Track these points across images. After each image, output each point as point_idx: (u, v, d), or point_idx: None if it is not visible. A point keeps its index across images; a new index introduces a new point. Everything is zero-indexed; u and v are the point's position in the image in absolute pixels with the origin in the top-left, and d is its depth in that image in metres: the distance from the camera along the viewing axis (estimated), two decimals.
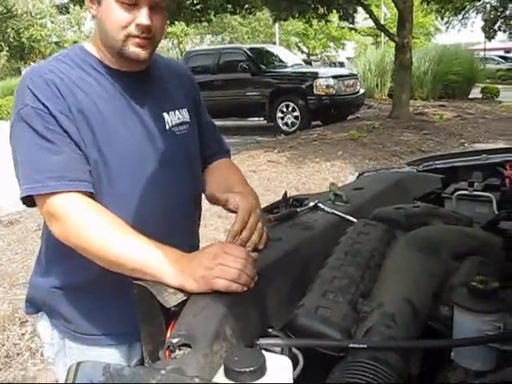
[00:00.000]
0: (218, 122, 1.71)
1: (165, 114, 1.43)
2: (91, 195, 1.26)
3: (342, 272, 1.20)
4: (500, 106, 15.32)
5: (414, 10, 12.53)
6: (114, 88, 1.35)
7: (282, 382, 0.87)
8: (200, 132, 1.55)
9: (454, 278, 1.24)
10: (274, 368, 0.87)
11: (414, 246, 1.33)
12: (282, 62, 13.61)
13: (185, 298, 1.08)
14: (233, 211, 1.33)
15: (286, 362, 0.93)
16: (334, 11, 13.34)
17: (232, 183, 1.46)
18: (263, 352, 0.91)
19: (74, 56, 1.36)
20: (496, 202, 1.91)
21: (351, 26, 13.94)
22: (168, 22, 1.32)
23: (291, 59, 14.26)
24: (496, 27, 28.32)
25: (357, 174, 2.47)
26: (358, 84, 13.32)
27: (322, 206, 1.59)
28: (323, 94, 11.84)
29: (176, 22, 15.44)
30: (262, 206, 1.53)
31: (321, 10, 13.25)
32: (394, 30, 13.01)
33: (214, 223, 5.19)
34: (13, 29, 31.57)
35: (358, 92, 12.99)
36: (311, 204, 1.61)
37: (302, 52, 39.73)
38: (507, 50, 41.12)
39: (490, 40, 30.59)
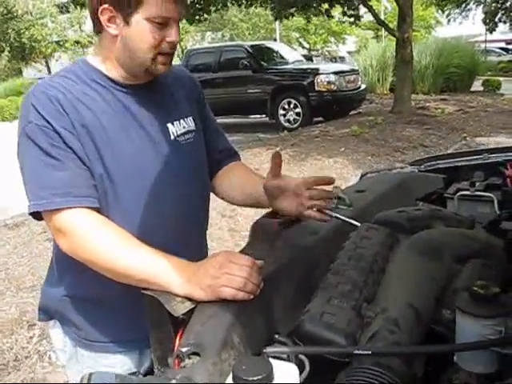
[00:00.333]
0: (219, 120, 1.73)
1: (169, 125, 1.44)
2: (97, 209, 1.28)
3: (346, 277, 1.22)
4: (502, 99, 15.28)
5: (414, 4, 12.50)
6: (118, 101, 1.37)
7: None
8: (206, 137, 1.57)
9: (457, 281, 1.25)
10: (281, 375, 0.89)
11: (417, 249, 1.35)
12: (283, 58, 13.64)
13: (192, 306, 1.11)
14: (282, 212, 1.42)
15: (293, 369, 0.95)
16: (338, 6, 13.33)
17: (249, 185, 1.51)
18: (270, 360, 0.94)
19: (78, 70, 1.38)
20: (497, 202, 1.93)
21: (352, 20, 13.83)
22: None
23: (292, 56, 14.28)
24: (497, 19, 28.20)
25: (359, 174, 2.48)
26: (359, 79, 13.33)
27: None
28: (325, 90, 11.87)
29: None
30: (266, 210, 1.55)
31: (324, 6, 13.26)
32: (394, 24, 13.00)
33: (218, 222, 5.22)
34: (13, 29, 31.57)
35: (359, 87, 13.00)
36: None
37: (303, 47, 39.67)
38: (508, 42, 40.98)
39: (491, 32, 30.48)
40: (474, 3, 27.72)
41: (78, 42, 35.06)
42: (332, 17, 14.61)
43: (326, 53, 38.54)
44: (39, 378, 2.92)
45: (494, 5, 27.05)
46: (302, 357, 1.02)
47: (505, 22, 28.77)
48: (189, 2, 12.65)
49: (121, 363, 1.44)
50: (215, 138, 1.62)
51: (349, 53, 36.36)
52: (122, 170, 1.33)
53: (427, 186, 2.09)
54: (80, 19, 32.73)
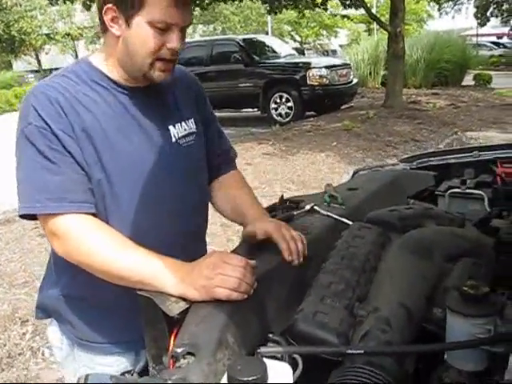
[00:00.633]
0: None
1: (170, 127, 1.43)
2: (93, 214, 1.28)
3: (339, 277, 1.24)
4: (493, 93, 15.35)
5: None
6: (120, 104, 1.36)
7: None
8: (207, 139, 1.56)
9: (447, 280, 1.28)
10: (275, 375, 0.91)
11: (408, 249, 1.37)
12: (275, 52, 13.60)
13: (187, 306, 1.12)
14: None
15: (286, 368, 0.97)
16: None
17: (244, 206, 1.50)
18: (264, 359, 0.96)
19: (80, 71, 1.36)
20: (488, 200, 1.95)
21: (344, 13, 13.82)
22: None
23: (284, 49, 14.25)
24: (488, 13, 28.29)
25: (351, 169, 2.50)
26: (351, 73, 13.33)
27: (317, 209, 1.63)
28: (316, 84, 11.85)
29: None
30: None
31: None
32: (386, 18, 12.97)
33: (210, 217, 5.19)
34: (2, 21, 31.26)
35: (351, 81, 13.00)
36: (307, 207, 1.64)
37: (295, 41, 39.59)
38: (499, 36, 41.08)
39: (482, 26, 30.57)
40: None
41: (68, 35, 34.81)
42: (326, 9, 14.56)
43: (318, 46, 38.52)
44: (33, 375, 2.92)
45: None
46: (296, 355, 1.03)
47: (496, 16, 28.89)
48: None
49: (117, 363, 1.45)
50: (215, 140, 1.61)
51: (341, 46, 36.34)
52: (121, 173, 1.33)
53: (419, 183, 2.11)
54: (70, 11, 32.48)
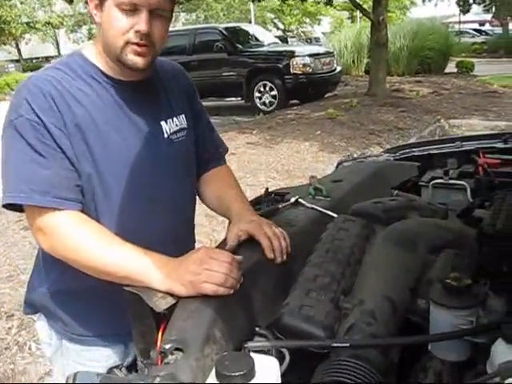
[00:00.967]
0: None
1: (162, 123, 1.44)
2: (80, 210, 1.28)
3: (324, 270, 1.25)
4: (475, 81, 15.46)
5: None
6: (113, 99, 1.36)
7: (271, 382, 0.92)
8: (197, 134, 1.57)
9: (431, 271, 1.29)
10: (262, 369, 0.92)
11: (392, 241, 1.39)
12: (259, 41, 13.58)
13: (174, 301, 1.13)
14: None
15: (274, 362, 0.98)
16: None
17: (229, 200, 1.51)
18: (251, 354, 0.97)
19: (73, 64, 1.36)
20: (470, 190, 1.97)
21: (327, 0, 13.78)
22: None
23: (267, 38, 14.22)
24: (471, 0, 28.38)
25: (335, 157, 2.51)
26: (335, 62, 13.36)
27: (302, 202, 1.64)
28: (300, 72, 11.86)
29: None
30: None
31: None
32: (369, 5, 12.97)
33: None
34: None
35: (334, 70, 13.02)
36: (292, 200, 1.65)
37: (278, 28, 39.48)
38: (482, 23, 41.29)
39: (464, 13, 30.68)
40: None
41: (48, 23, 34.39)
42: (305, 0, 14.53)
43: (301, 34, 38.45)
44: (20, 369, 2.92)
45: None
46: (283, 349, 1.05)
47: (479, 4, 28.98)
48: None
49: (106, 357, 1.46)
50: (205, 135, 1.62)
51: (324, 34, 36.31)
52: (112, 168, 1.33)
53: (402, 174, 2.13)
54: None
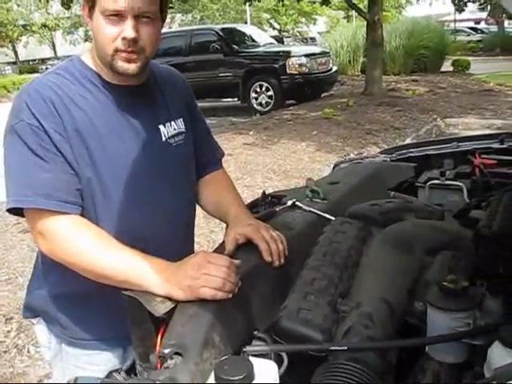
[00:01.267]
0: None
1: (161, 127, 1.44)
2: (80, 214, 1.29)
3: (322, 273, 1.26)
4: (471, 79, 15.49)
5: None
6: (111, 103, 1.36)
7: None
8: (195, 139, 1.58)
9: (428, 273, 1.30)
10: (261, 373, 0.93)
11: (389, 243, 1.39)
12: (255, 41, 13.58)
13: (173, 305, 1.13)
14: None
15: (272, 366, 0.99)
16: None
17: (226, 204, 1.52)
18: (250, 358, 0.98)
19: (72, 69, 1.37)
20: (467, 191, 1.98)
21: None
22: None
23: (263, 38, 14.23)
24: None
25: (332, 157, 2.52)
26: (331, 61, 13.38)
27: (300, 205, 1.64)
28: (296, 72, 11.87)
29: None
30: None
31: None
32: (365, 4, 12.97)
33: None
34: None
35: (330, 69, 13.03)
36: (289, 202, 1.66)
37: (274, 28, 39.47)
38: (477, 21, 41.33)
39: (460, 12, 30.71)
40: None
41: (45, 26, 34.39)
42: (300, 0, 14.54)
43: (297, 34, 38.47)
44: (19, 372, 2.91)
45: None
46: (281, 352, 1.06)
47: (474, 2, 28.99)
48: None
49: (105, 361, 1.46)
50: (203, 139, 1.63)
51: (319, 33, 36.34)
52: (112, 172, 1.34)
53: (399, 175, 2.14)
54: (46, 2, 32.03)
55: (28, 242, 4.59)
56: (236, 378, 0.88)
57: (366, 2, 12.91)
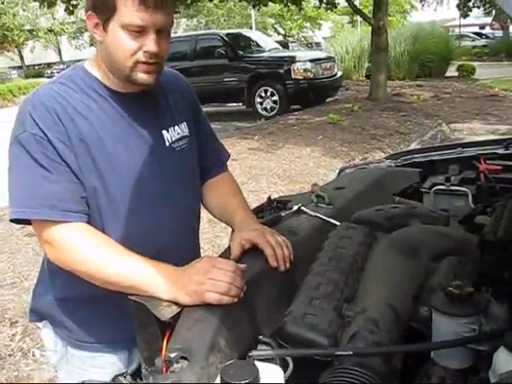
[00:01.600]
0: None
1: (164, 132, 1.45)
2: (86, 222, 1.30)
3: (327, 278, 1.26)
4: (476, 84, 15.47)
5: None
6: (115, 110, 1.37)
7: None
8: (199, 143, 1.58)
9: (433, 279, 1.30)
10: (266, 377, 0.93)
11: (395, 248, 1.39)
12: (260, 46, 13.62)
13: (179, 310, 1.14)
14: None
15: (278, 370, 0.99)
16: None
17: (231, 209, 1.53)
18: (256, 362, 0.98)
19: (77, 78, 1.37)
20: (472, 196, 1.98)
21: (328, 6, 13.82)
22: None
23: (268, 43, 14.28)
24: (471, 4, 28.39)
25: (337, 162, 2.52)
26: (336, 67, 13.41)
27: (305, 210, 1.65)
28: (301, 77, 11.90)
29: None
30: None
31: None
32: (369, 9, 12.98)
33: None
34: None
35: (335, 75, 13.05)
36: (295, 208, 1.66)
37: (279, 33, 39.54)
38: (482, 26, 41.31)
39: (464, 17, 30.72)
40: None
41: (51, 31, 34.55)
42: (302, 9, 14.57)
43: (302, 39, 38.53)
44: (24, 375, 2.92)
45: None
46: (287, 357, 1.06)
47: (478, 7, 29.00)
48: None
49: (111, 364, 1.47)
50: (208, 143, 1.63)
51: (324, 38, 36.38)
52: (117, 180, 1.35)
53: (404, 180, 2.14)
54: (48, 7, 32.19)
55: (33, 245, 4.61)
56: (242, 383, 0.89)
57: (370, 8, 12.90)
